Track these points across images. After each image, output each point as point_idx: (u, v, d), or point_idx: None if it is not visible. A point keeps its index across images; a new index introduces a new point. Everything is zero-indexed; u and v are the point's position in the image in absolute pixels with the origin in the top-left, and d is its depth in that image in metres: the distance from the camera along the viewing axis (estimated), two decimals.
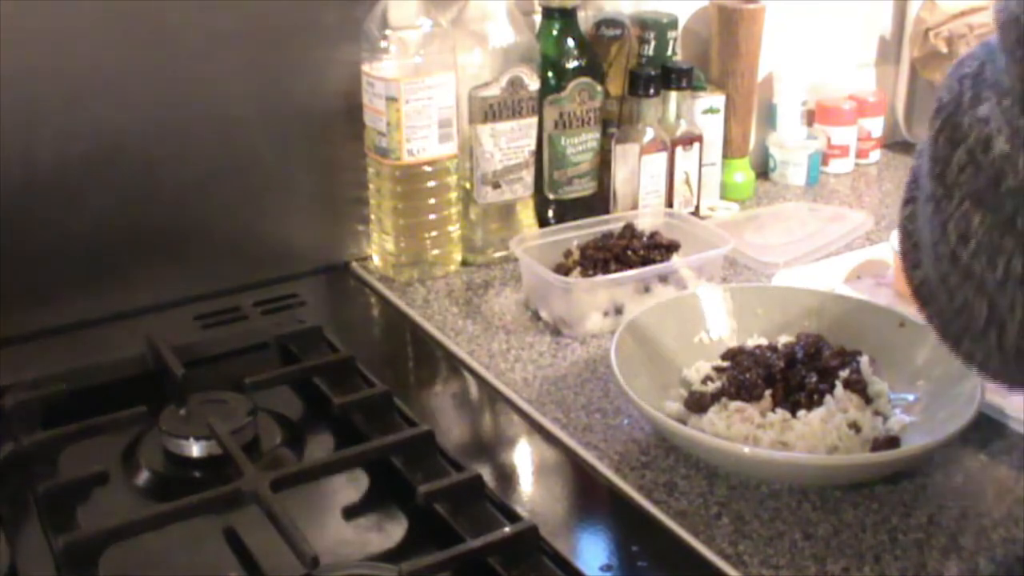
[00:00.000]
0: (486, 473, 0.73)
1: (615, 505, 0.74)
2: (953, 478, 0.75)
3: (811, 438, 0.75)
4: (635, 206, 1.12)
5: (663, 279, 0.97)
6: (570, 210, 1.14)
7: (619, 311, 0.96)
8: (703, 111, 1.22)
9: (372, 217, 1.09)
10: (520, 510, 0.70)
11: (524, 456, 0.81)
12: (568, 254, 1.01)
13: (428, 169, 1.04)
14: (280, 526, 0.66)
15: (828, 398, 0.78)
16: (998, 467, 0.77)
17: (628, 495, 0.74)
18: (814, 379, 0.79)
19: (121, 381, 0.88)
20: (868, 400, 0.80)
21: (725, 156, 1.27)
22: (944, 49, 1.37)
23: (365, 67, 1.02)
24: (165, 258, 1.01)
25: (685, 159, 1.15)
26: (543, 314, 0.98)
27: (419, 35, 1.00)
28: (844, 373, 0.80)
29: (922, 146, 0.54)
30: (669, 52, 1.18)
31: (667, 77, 1.13)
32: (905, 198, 0.57)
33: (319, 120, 1.05)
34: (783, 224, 1.22)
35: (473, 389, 0.89)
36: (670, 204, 1.15)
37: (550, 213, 1.15)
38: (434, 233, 1.06)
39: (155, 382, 0.87)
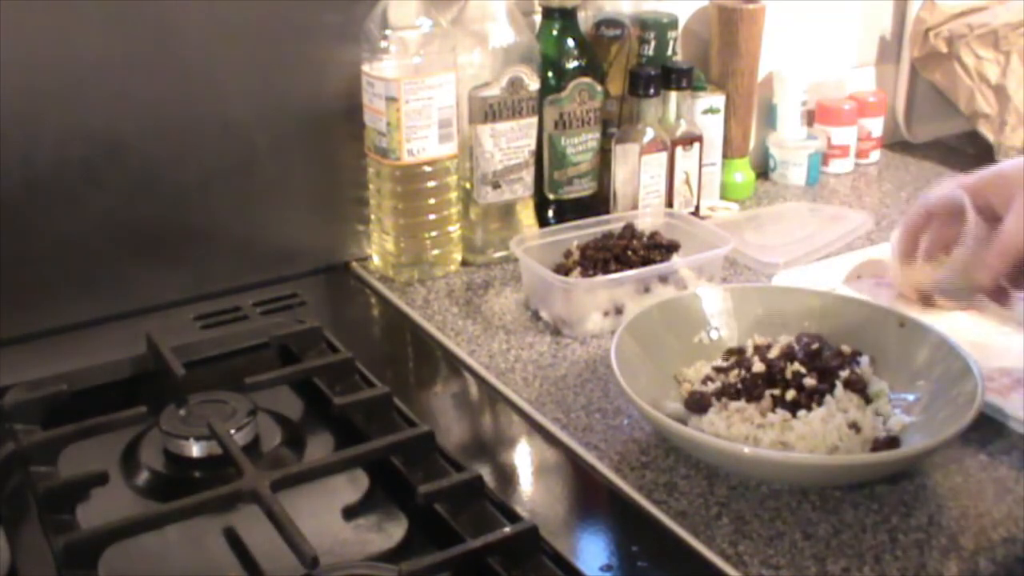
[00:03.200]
0: (486, 473, 0.73)
1: (615, 505, 0.74)
2: (953, 478, 0.75)
3: (811, 438, 0.75)
4: (635, 206, 1.12)
5: (663, 279, 0.97)
6: (570, 210, 1.14)
7: (619, 311, 0.96)
8: (703, 111, 1.22)
9: (372, 217, 1.09)
10: (520, 510, 0.70)
11: (524, 456, 0.81)
12: (568, 254, 1.01)
13: (428, 169, 1.04)
14: (280, 526, 0.66)
15: (828, 398, 0.78)
16: (998, 467, 0.77)
17: (628, 495, 0.74)
18: (814, 379, 0.79)
19: (121, 381, 0.88)
20: (868, 400, 0.80)
21: (725, 156, 1.27)
22: (944, 49, 1.37)
23: (365, 67, 1.02)
24: (165, 258, 1.01)
25: (685, 159, 1.15)
26: (543, 314, 0.98)
27: (419, 35, 1.00)
28: (844, 373, 0.80)
29: None
30: (669, 52, 1.18)
31: (667, 77, 1.13)
32: None
33: (319, 120, 1.05)
34: (783, 224, 1.22)
35: (473, 389, 0.89)
36: (670, 204, 1.15)
37: (550, 213, 1.15)
38: (434, 233, 1.06)
39: (155, 382, 0.87)
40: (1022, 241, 0.77)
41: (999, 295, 0.83)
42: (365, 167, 1.07)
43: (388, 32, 1.00)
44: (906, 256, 0.86)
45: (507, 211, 1.11)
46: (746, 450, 0.73)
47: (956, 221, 0.82)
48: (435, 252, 1.07)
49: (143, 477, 0.78)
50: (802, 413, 0.77)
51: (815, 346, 0.83)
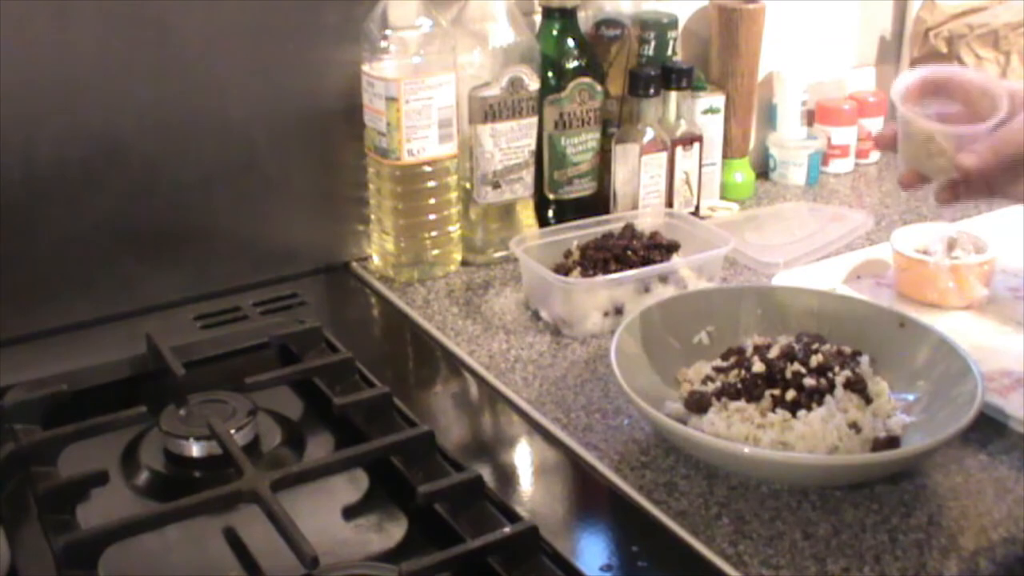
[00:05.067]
0: (486, 473, 0.73)
1: (615, 505, 0.74)
2: (953, 478, 0.75)
3: (811, 438, 0.75)
4: (635, 206, 1.12)
5: (663, 279, 0.97)
6: (570, 210, 1.14)
7: (619, 311, 0.96)
8: (703, 111, 1.22)
9: (372, 217, 1.09)
10: (520, 510, 0.70)
11: (524, 456, 0.81)
12: (568, 254, 1.01)
13: (428, 169, 1.04)
14: (280, 526, 0.66)
15: (828, 398, 0.78)
16: (998, 467, 0.77)
17: (628, 495, 0.74)
18: (814, 379, 0.79)
19: (121, 381, 0.88)
20: (868, 400, 0.80)
21: (725, 156, 1.27)
22: (944, 49, 1.37)
23: (365, 67, 1.02)
24: (165, 258, 1.01)
25: (685, 159, 1.15)
26: (543, 314, 0.98)
27: (419, 35, 1.00)
28: (844, 373, 0.80)
29: None
30: (669, 52, 1.18)
31: (667, 77, 1.13)
32: None
33: (319, 120, 1.05)
34: (783, 224, 1.22)
35: (473, 389, 0.89)
36: (670, 204, 1.15)
37: (550, 213, 1.15)
38: (434, 233, 1.06)
39: (155, 382, 0.87)
40: (1019, 145, 0.76)
41: (952, 189, 0.81)
42: (365, 167, 1.07)
43: (388, 32, 1.00)
44: (912, 97, 0.85)
45: (507, 211, 1.11)
46: (746, 450, 0.73)
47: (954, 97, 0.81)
48: (435, 252, 1.07)
49: (143, 477, 0.78)
50: (802, 413, 0.77)
51: (815, 346, 0.83)
